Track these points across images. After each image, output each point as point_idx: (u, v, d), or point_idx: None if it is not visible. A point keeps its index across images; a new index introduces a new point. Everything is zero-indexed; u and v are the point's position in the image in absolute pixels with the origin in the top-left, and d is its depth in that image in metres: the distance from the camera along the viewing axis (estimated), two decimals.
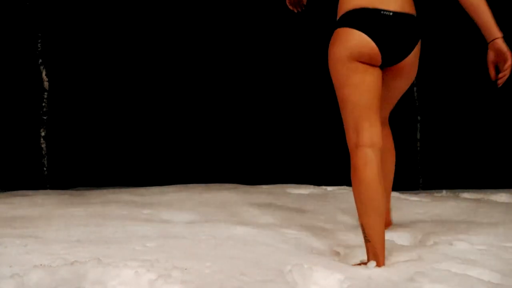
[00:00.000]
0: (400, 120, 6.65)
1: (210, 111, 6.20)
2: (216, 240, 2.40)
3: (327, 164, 6.38)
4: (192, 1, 6.06)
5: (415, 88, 6.61)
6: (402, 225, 3.02)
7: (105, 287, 1.83)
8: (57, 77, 5.64)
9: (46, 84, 5.59)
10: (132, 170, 5.87)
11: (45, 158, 5.58)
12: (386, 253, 2.26)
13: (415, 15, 2.37)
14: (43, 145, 5.58)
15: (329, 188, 4.56)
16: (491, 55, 2.30)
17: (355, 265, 2.24)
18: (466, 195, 4.58)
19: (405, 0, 2.32)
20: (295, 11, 2.63)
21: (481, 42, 7.13)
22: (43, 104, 5.59)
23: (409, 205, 3.54)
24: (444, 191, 4.93)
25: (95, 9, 5.82)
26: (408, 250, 2.41)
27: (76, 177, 5.75)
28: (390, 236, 2.75)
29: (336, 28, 2.30)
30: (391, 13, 2.25)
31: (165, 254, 2.14)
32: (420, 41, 2.44)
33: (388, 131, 2.83)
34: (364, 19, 2.21)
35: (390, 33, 2.24)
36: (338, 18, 2.31)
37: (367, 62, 2.25)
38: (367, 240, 2.20)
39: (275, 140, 6.36)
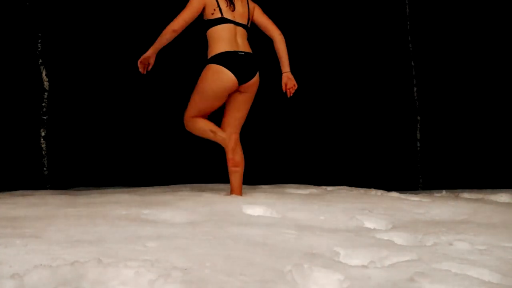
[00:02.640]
0: (400, 120, 6.66)
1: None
2: (216, 240, 2.40)
3: (327, 164, 6.38)
4: None
5: (415, 89, 6.61)
6: (402, 225, 3.02)
7: (105, 287, 1.84)
8: (57, 77, 5.64)
9: (46, 84, 5.59)
10: (132, 170, 5.87)
11: (45, 158, 5.58)
12: (386, 253, 2.38)
13: (252, 53, 3.73)
14: (43, 145, 5.58)
15: (329, 188, 4.56)
16: (284, 80, 3.82)
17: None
18: (466, 195, 4.58)
19: (246, 43, 3.71)
20: (142, 71, 3.72)
21: (480, 43, 7.11)
22: (43, 104, 5.59)
23: (409, 205, 3.54)
24: (444, 191, 4.93)
25: (94, 9, 5.82)
26: (408, 250, 2.41)
27: (76, 177, 5.75)
28: (390, 236, 2.75)
29: (212, 63, 3.64)
30: (243, 53, 3.65)
31: (165, 254, 2.14)
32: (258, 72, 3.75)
33: (238, 147, 3.90)
34: (230, 59, 3.60)
35: (243, 67, 3.64)
36: (213, 55, 3.63)
37: (230, 91, 3.68)
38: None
39: (275, 140, 6.36)
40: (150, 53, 3.63)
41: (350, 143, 6.41)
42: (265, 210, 3.24)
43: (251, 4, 3.80)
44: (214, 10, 3.64)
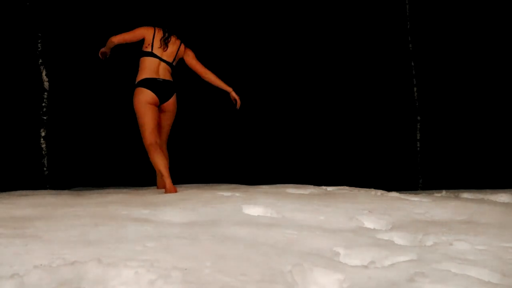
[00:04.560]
0: (400, 120, 6.66)
1: (210, 111, 6.20)
2: (216, 240, 2.40)
3: (327, 164, 6.38)
4: (191, 5, 6.07)
5: (415, 89, 6.61)
6: (402, 225, 3.02)
7: (105, 287, 1.84)
8: (57, 77, 5.64)
9: (46, 84, 5.59)
10: (132, 170, 5.87)
11: (45, 158, 5.58)
12: (386, 253, 2.38)
13: (172, 81, 4.59)
14: (43, 145, 5.58)
15: (329, 188, 4.55)
16: (233, 96, 4.74)
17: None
18: (466, 195, 4.58)
19: (167, 74, 4.58)
20: (102, 58, 4.64)
21: (480, 43, 7.09)
22: (43, 104, 5.59)
23: (409, 205, 3.54)
24: (444, 191, 4.93)
25: (94, 9, 5.82)
26: (408, 250, 2.41)
27: (76, 177, 5.75)
28: (390, 236, 2.75)
29: (137, 87, 4.49)
30: (161, 80, 4.52)
31: (165, 254, 2.14)
32: (175, 94, 4.61)
33: (165, 150, 4.73)
34: (150, 83, 4.47)
35: (161, 89, 4.51)
36: (137, 81, 4.50)
37: (153, 104, 4.48)
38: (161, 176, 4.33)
39: (275, 141, 6.36)
40: (105, 49, 4.58)
41: (350, 144, 6.41)
42: (265, 210, 3.24)
43: (182, 48, 4.69)
44: (148, 45, 4.56)
